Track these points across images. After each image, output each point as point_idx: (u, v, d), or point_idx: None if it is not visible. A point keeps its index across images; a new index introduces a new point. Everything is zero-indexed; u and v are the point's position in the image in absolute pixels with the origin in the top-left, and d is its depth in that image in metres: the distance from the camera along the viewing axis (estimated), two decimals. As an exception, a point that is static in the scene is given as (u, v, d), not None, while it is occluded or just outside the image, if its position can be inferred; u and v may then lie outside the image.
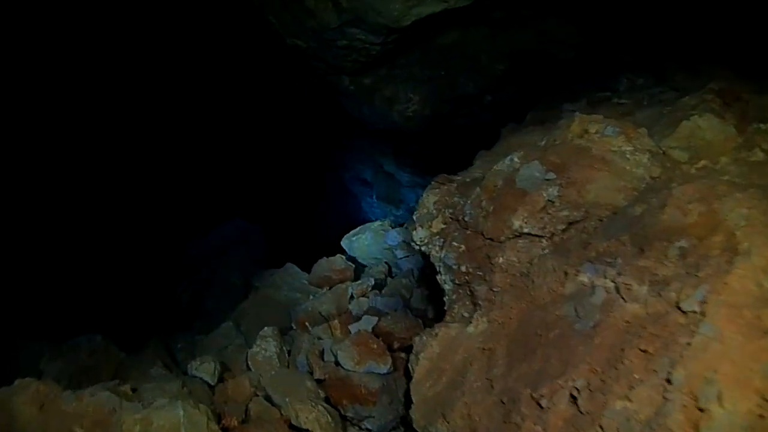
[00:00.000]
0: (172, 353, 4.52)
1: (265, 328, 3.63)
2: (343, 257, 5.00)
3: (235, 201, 11.06)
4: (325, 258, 5.01)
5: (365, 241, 5.59)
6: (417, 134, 6.81)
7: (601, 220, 2.75)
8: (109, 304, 6.60)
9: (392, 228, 5.64)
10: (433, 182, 3.91)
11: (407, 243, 5.19)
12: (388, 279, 4.99)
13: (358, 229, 5.79)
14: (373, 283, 4.49)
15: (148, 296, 6.64)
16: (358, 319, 3.77)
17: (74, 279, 7.27)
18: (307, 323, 3.89)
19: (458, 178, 3.94)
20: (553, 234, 2.90)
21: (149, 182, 9.38)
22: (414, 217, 3.76)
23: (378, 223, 5.68)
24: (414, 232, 3.63)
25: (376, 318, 3.57)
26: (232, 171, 10.11)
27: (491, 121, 7.05)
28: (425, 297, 4.47)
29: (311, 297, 4.58)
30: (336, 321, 3.61)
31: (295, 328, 3.98)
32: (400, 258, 5.14)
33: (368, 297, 4.37)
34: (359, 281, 4.56)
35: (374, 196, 9.38)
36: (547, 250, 2.85)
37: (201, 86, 8.02)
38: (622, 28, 5.00)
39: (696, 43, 4.04)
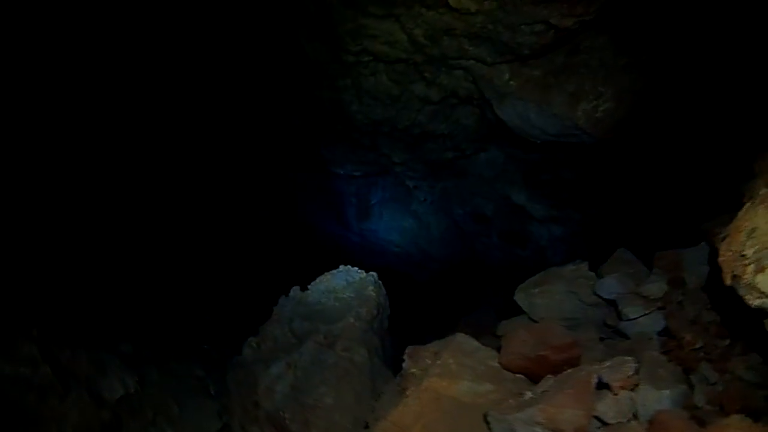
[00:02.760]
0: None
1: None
2: (557, 322, 3.14)
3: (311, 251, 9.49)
4: (521, 323, 3.18)
5: (556, 295, 3.82)
6: (591, 147, 5.00)
7: None
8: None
9: (588, 270, 3.84)
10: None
11: (638, 295, 3.36)
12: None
13: (539, 276, 4.03)
14: (636, 366, 2.63)
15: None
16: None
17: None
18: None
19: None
20: None
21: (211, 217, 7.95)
22: (749, 252, 2.01)
23: (571, 267, 3.88)
24: (760, 276, 1.81)
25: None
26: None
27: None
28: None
29: (527, 394, 2.72)
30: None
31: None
32: (631, 318, 3.31)
33: (635, 390, 2.53)
34: (609, 363, 2.70)
35: (494, 236, 7.53)
36: None
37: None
38: None
39: None
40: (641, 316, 3.32)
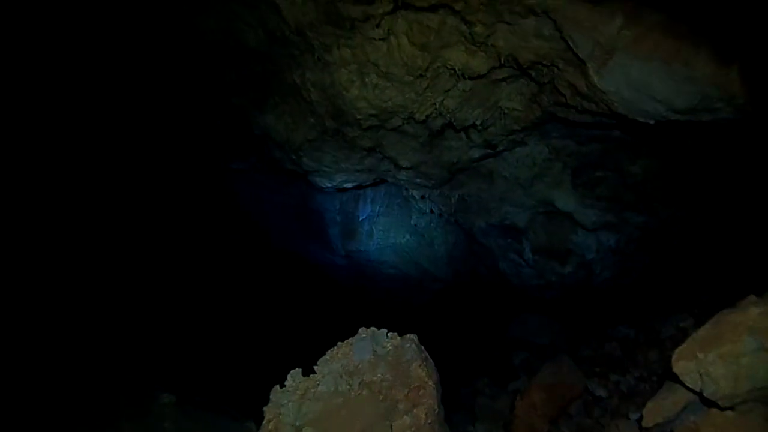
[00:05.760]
0: None
1: None
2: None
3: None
4: None
5: (742, 357, 2.38)
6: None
7: None
8: None
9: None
10: None
11: None
12: None
13: (706, 331, 2.55)
14: None
15: None
16: None
17: None
18: None
19: None
20: None
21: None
22: None
23: (756, 310, 2.43)
24: None
25: None
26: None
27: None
28: None
29: None
30: None
31: None
32: None
33: None
34: None
35: (526, 250, 5.95)
36: None
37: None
38: None
39: None
40: None
